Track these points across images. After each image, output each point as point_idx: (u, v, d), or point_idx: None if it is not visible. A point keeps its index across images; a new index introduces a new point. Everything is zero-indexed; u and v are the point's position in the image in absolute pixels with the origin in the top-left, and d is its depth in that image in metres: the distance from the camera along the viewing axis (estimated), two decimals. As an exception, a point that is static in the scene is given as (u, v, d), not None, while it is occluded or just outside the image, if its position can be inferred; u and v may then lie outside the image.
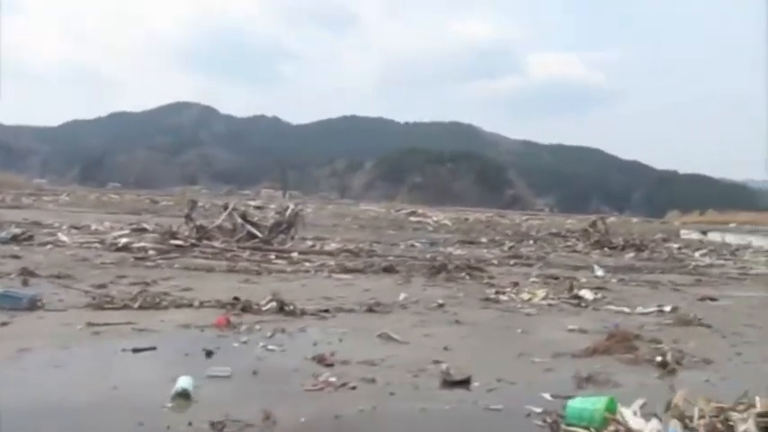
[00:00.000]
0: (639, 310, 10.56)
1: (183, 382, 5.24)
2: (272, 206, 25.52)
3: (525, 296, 11.31)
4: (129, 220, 27.92)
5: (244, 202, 30.20)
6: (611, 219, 71.14)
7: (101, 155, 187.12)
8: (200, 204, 22.42)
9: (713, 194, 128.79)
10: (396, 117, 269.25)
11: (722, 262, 23.70)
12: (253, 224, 19.92)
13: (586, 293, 11.69)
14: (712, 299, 12.51)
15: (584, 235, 28.56)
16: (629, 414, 4.37)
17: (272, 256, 16.75)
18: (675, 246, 31.52)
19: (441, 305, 10.12)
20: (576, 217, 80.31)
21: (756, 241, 33.27)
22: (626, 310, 10.54)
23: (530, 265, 18.04)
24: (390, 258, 17.83)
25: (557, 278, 14.54)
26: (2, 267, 12.03)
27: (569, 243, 28.80)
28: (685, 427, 4.21)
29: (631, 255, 24.69)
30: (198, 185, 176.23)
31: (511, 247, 25.45)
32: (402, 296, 10.69)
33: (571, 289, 11.92)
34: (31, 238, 18.06)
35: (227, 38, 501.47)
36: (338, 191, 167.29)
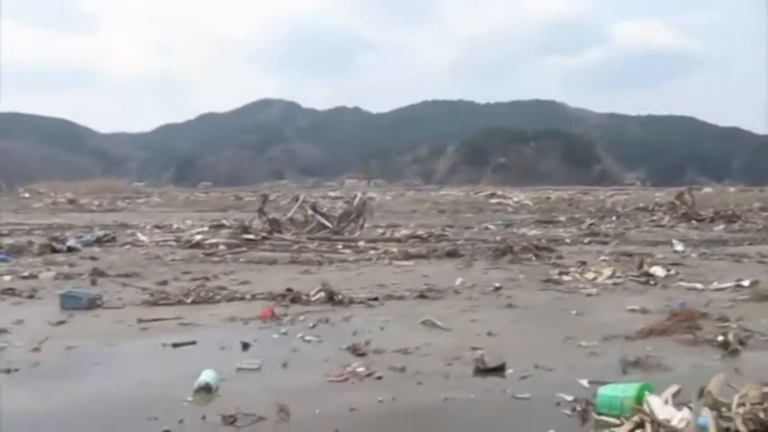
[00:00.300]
0: (714, 285, 9.85)
1: (206, 375, 5.24)
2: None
3: (590, 275, 10.78)
4: (212, 217, 28.80)
5: (316, 195, 30.60)
6: (707, 189, 67.72)
7: (192, 156, 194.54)
8: (271, 198, 22.76)
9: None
10: (476, 99, 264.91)
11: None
12: (323, 215, 20.07)
13: (657, 270, 11.03)
14: (802, 270, 11.54)
15: (671, 208, 27.10)
16: (657, 403, 3.99)
17: (340, 246, 16.79)
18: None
19: (497, 288, 9.78)
20: (668, 190, 76.80)
21: None
22: (699, 286, 9.84)
23: (605, 243, 17.29)
24: (459, 242, 17.54)
25: (630, 255, 13.84)
26: (77, 268, 12.59)
27: (655, 218, 27.48)
28: (721, 416, 3.79)
29: (721, 227, 23.26)
30: (285, 180, 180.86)
31: (590, 225, 24.53)
32: (459, 281, 10.42)
33: (641, 266, 11.27)
34: (113, 239, 18.87)
35: (304, 33, 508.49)
36: (422, 177, 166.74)
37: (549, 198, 43.99)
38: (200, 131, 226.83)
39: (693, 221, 25.08)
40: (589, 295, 9.39)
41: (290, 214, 20.90)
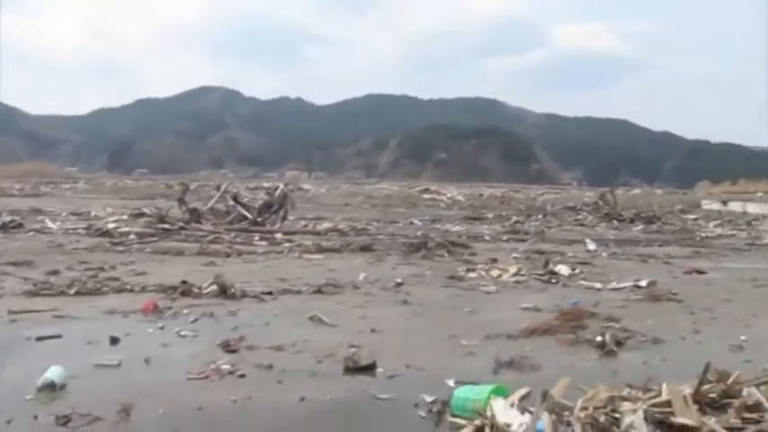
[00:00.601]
0: (613, 285, 9.98)
1: (51, 372, 4.90)
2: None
3: (495, 273, 10.79)
4: (137, 205, 27.90)
5: (252, 186, 29.93)
6: (636, 191, 69.90)
7: (128, 142, 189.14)
8: (192, 188, 22.15)
9: (747, 163, 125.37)
10: (420, 95, 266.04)
11: (734, 232, 22.81)
12: (243, 206, 19.65)
13: (562, 269, 11.13)
14: (700, 272, 11.85)
15: (595, 208, 27.75)
16: (501, 406, 3.88)
17: (257, 238, 16.44)
18: (692, 217, 30.59)
19: (398, 284, 9.66)
20: (600, 190, 79.11)
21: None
22: (597, 285, 9.95)
23: (523, 241, 17.48)
24: (380, 237, 17.44)
25: (542, 253, 13.98)
26: (-33, 255, 11.89)
27: (579, 217, 28.11)
28: (562, 420, 3.72)
29: (639, 227, 23.95)
30: (224, 169, 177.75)
31: (515, 222, 24.86)
32: (362, 276, 10.25)
33: (546, 264, 11.36)
34: (20, 225, 18.02)
35: (250, 21, 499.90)
36: (364, 170, 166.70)
37: (481, 195, 44.48)
38: (138, 117, 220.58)
39: (614, 221, 25.76)
40: (488, 293, 9.36)
41: (210, 204, 20.43)
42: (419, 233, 18.11)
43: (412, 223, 22.93)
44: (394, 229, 20.34)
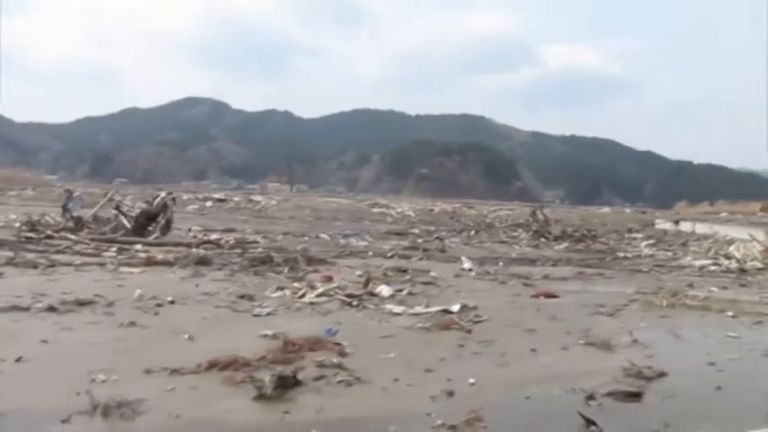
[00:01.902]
0: (417, 310, 8.74)
1: None
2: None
3: (301, 293, 9.55)
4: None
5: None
6: (605, 209, 69.02)
7: (109, 151, 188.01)
8: (76, 194, 20.88)
9: (727, 184, 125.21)
10: (407, 110, 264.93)
11: (660, 253, 21.69)
12: (124, 215, 18.39)
13: (384, 290, 9.90)
14: (551, 296, 10.64)
15: (526, 225, 26.64)
16: None
17: (114, 249, 15.16)
18: (632, 236, 29.51)
19: (158, 305, 8.37)
20: (582, 208, 78.12)
21: (726, 230, 30.95)
22: (398, 310, 8.70)
23: (411, 258, 16.27)
24: (259, 251, 16.15)
25: (404, 271, 12.81)
26: None
27: (515, 234, 27.03)
28: None
29: (563, 245, 22.81)
30: (207, 180, 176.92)
31: (435, 238, 23.73)
32: (138, 293, 8.97)
33: (367, 284, 10.12)
34: None
35: (241, 33, 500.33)
36: (346, 184, 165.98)
37: (432, 210, 43.30)
38: (122, 126, 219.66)
39: (542, 239, 24.68)
40: (256, 315, 8.11)
41: (92, 212, 19.22)
42: (299, 247, 16.86)
43: (318, 237, 21.68)
44: (297, 243, 19.09)
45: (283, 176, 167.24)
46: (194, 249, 15.59)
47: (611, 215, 52.45)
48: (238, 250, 15.89)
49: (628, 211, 65.02)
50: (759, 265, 17.13)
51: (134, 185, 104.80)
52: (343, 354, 6.24)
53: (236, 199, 45.04)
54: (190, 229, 21.45)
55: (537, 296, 10.56)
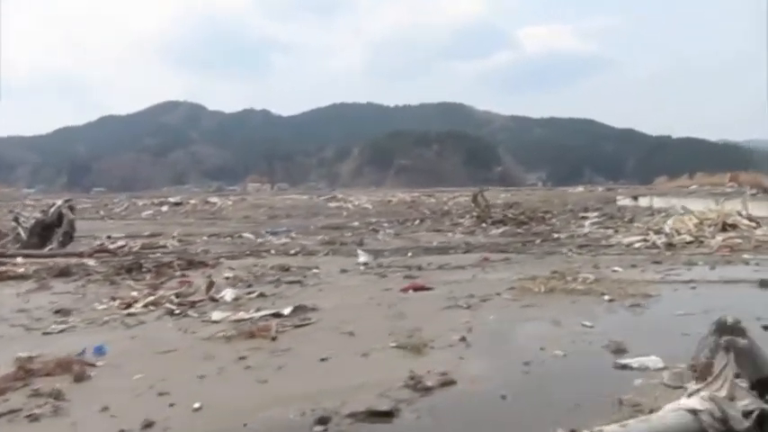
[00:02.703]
0: (241, 315, 7.77)
1: None
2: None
3: (132, 302, 8.58)
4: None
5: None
6: (579, 189, 68.21)
7: (87, 160, 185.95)
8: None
9: (707, 156, 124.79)
10: (386, 102, 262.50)
11: (601, 231, 20.81)
12: (22, 227, 17.33)
13: (228, 293, 8.95)
14: (422, 288, 9.72)
15: (470, 210, 25.72)
16: None
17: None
18: (585, 215, 28.66)
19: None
20: (562, 189, 76.88)
21: (682, 203, 30.19)
22: (217, 317, 7.75)
23: (316, 253, 15.34)
24: (152, 256, 15.15)
25: (287, 269, 11.90)
26: None
27: (461, 220, 26.14)
28: None
29: (500, 230, 21.91)
30: (187, 184, 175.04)
31: (371, 230, 22.85)
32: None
33: (209, 288, 9.16)
34: None
35: (216, 33, 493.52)
36: (327, 179, 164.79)
37: (390, 201, 42.33)
38: (100, 134, 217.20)
39: (484, 224, 23.80)
40: (47, 333, 7.16)
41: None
42: (199, 250, 15.88)
43: (241, 237, 20.71)
44: (214, 245, 18.14)
45: (264, 176, 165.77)
46: (85, 259, 14.60)
47: (579, 195, 51.66)
48: (131, 257, 14.89)
49: (600, 189, 64.26)
50: (688, 238, 16.31)
51: (112, 193, 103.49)
52: (80, 378, 5.29)
53: (193, 202, 43.91)
54: (109, 237, 20.44)
55: (406, 290, 9.63)
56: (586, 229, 21.74)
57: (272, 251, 15.80)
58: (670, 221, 18.93)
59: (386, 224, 25.62)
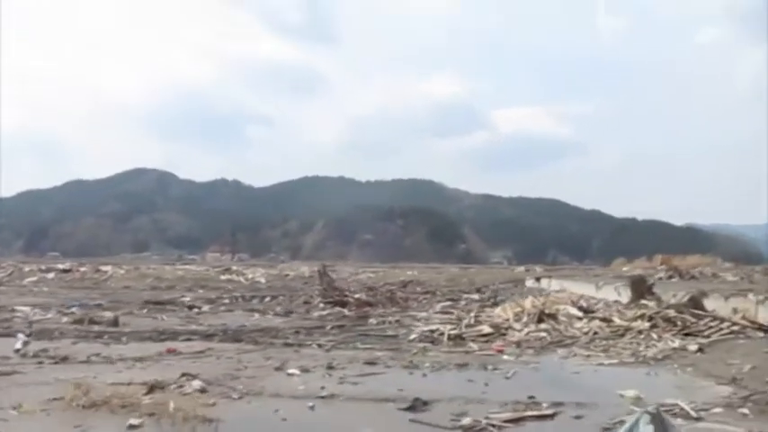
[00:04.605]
0: None
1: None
2: None
3: None
4: None
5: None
6: (533, 268, 65.72)
7: (46, 224, 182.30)
8: None
9: (669, 239, 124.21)
10: (359, 177, 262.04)
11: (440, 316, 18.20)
12: None
13: None
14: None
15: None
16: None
17: None
18: (468, 296, 26.16)
19: None
20: (526, 266, 73.95)
21: (574, 287, 27.80)
22: None
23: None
24: None
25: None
26: None
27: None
28: None
29: (326, 312, 19.28)
30: (148, 251, 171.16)
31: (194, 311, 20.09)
32: None
33: None
34: None
35: (191, 102, 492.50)
36: (290, 251, 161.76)
37: (287, 275, 39.65)
38: (65, 199, 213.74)
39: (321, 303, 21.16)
40: None
41: None
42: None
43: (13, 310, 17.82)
44: None
45: (225, 246, 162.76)
46: None
47: (498, 273, 49.40)
48: None
49: (521, 268, 61.98)
50: (486, 330, 13.74)
51: (68, 259, 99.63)
52: None
53: (83, 269, 40.93)
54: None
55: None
56: (424, 314, 19.09)
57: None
58: (498, 309, 16.47)
59: (227, 300, 22.93)
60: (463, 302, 23.07)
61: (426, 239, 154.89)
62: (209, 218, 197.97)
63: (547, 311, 14.74)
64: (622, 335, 12.89)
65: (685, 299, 14.92)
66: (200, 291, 29.16)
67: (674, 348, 10.98)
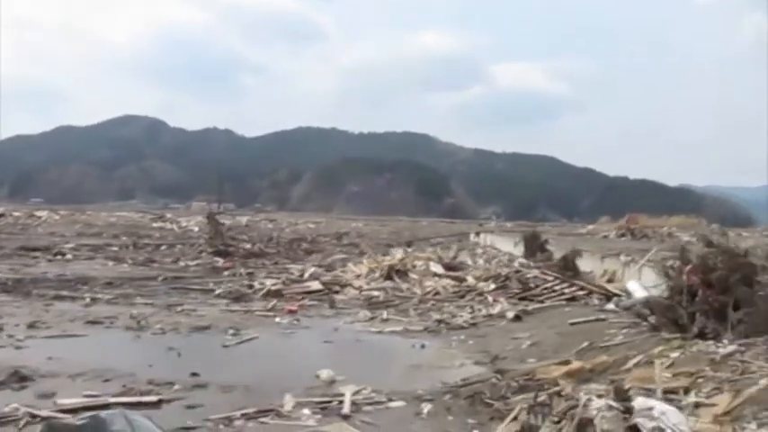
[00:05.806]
0: None
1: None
2: None
3: None
4: None
5: None
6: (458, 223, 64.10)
7: (31, 170, 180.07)
8: None
9: (660, 199, 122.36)
10: (351, 128, 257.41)
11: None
12: None
13: None
14: None
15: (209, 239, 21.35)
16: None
17: None
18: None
19: None
20: (517, 222, 71.98)
21: (500, 242, 26.17)
22: None
23: None
24: None
25: None
26: None
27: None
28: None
29: (195, 262, 17.63)
30: (134, 200, 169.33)
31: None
32: None
33: None
34: None
35: (185, 49, 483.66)
36: (277, 203, 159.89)
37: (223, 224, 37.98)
38: (54, 145, 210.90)
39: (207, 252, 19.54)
40: None
41: None
42: None
43: None
44: None
45: (211, 196, 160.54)
46: None
47: (443, 227, 47.84)
48: None
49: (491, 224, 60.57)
50: (316, 287, 12.04)
51: (51, 205, 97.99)
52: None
53: (17, 214, 39.28)
54: None
55: None
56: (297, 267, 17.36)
57: None
58: (351, 264, 14.78)
59: (116, 248, 21.26)
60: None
61: (414, 193, 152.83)
62: (199, 167, 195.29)
63: (400, 269, 13.05)
64: (463, 296, 11.26)
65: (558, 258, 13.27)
66: (124, 238, 27.54)
67: (491, 315, 9.30)
